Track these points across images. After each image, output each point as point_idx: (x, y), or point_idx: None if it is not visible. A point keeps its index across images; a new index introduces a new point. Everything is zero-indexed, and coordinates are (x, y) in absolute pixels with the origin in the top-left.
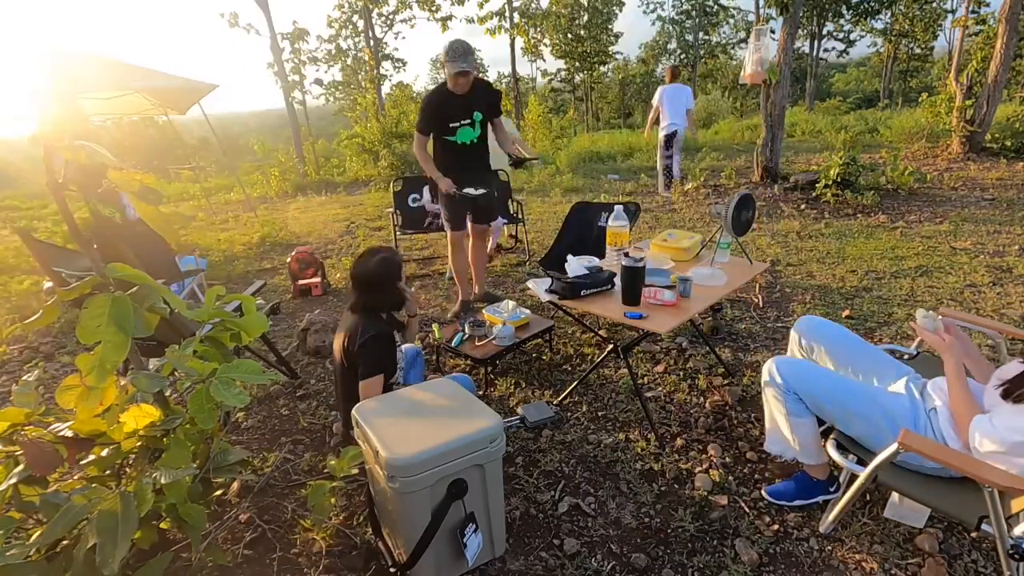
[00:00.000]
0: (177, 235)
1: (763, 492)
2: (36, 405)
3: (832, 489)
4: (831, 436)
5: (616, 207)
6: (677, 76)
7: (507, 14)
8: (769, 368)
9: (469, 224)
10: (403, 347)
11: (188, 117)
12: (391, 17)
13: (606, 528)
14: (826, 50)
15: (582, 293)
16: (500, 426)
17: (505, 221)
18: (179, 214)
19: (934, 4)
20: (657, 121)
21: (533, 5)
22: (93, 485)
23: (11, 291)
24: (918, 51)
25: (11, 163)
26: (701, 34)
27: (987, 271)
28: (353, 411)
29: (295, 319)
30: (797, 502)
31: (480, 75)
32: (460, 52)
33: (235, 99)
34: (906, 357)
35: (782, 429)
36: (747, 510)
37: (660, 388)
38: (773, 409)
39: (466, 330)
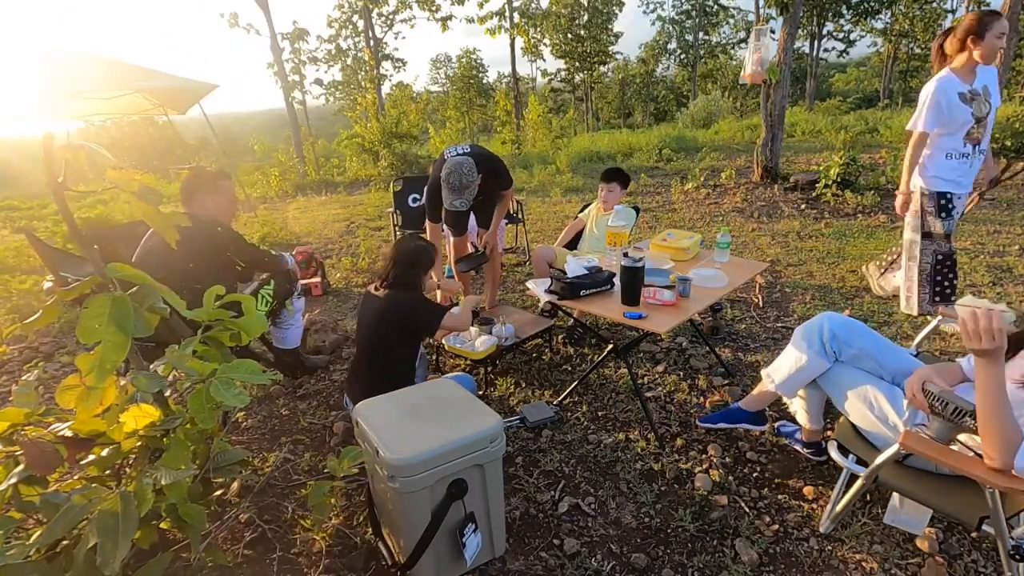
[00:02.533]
0: (176, 235)
1: (697, 422)
2: (36, 405)
3: (764, 419)
4: (831, 437)
5: (615, 207)
6: None
7: (507, 14)
8: (820, 320)
9: (476, 231)
10: None
11: (188, 117)
12: (391, 17)
13: (606, 528)
14: (826, 50)
15: (581, 293)
16: (500, 426)
17: (507, 222)
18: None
19: (934, 4)
20: None
21: (533, 5)
22: (93, 485)
23: (11, 291)
24: (918, 51)
25: (11, 163)
26: (701, 34)
27: (987, 271)
28: (354, 411)
29: None
30: (721, 423)
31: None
32: (456, 187)
33: (235, 99)
34: None
35: (792, 376)
36: (747, 510)
37: (660, 388)
38: (795, 356)
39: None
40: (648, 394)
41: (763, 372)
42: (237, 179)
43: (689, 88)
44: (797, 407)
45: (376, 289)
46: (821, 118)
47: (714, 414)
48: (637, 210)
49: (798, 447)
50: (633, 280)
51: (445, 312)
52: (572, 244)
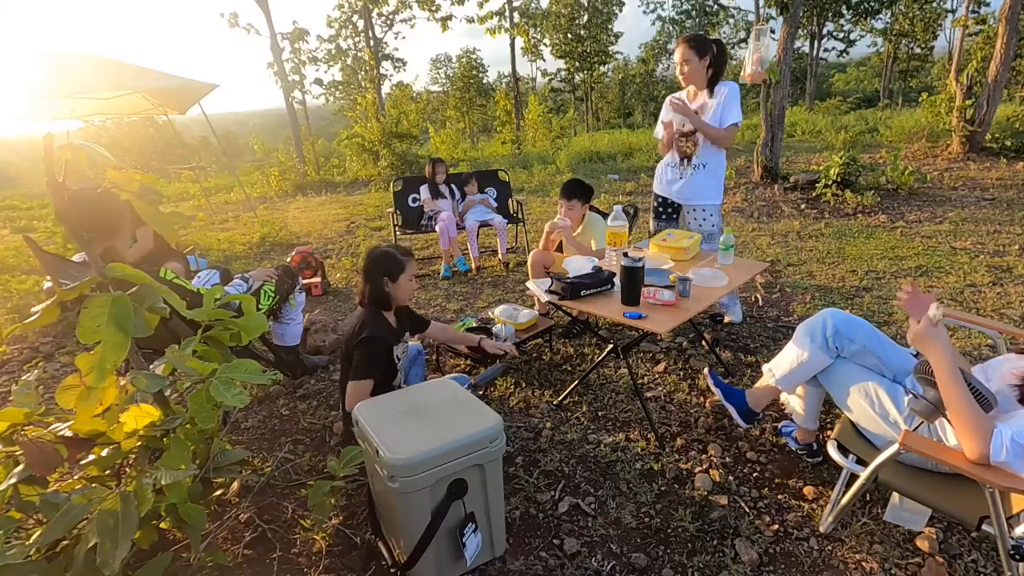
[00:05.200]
0: (177, 235)
1: (705, 371)
2: (36, 405)
3: (755, 419)
4: (831, 437)
5: (615, 207)
6: None
7: (507, 14)
8: (823, 316)
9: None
10: (408, 345)
11: (188, 117)
12: (391, 17)
13: (606, 528)
14: (826, 50)
15: (582, 293)
16: (500, 426)
17: (507, 221)
18: (179, 214)
19: (934, 4)
20: None
21: (533, 5)
22: (93, 485)
23: (11, 291)
24: (918, 51)
25: (11, 163)
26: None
27: (987, 271)
28: (354, 411)
29: None
30: (718, 390)
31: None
32: None
33: (235, 99)
34: None
35: (793, 371)
36: (747, 510)
37: (660, 388)
38: (797, 351)
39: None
40: (648, 394)
41: (764, 367)
42: (237, 179)
43: None
44: (795, 405)
45: (359, 302)
46: (821, 118)
47: (721, 381)
48: (636, 210)
49: (793, 446)
50: (633, 280)
51: (361, 379)
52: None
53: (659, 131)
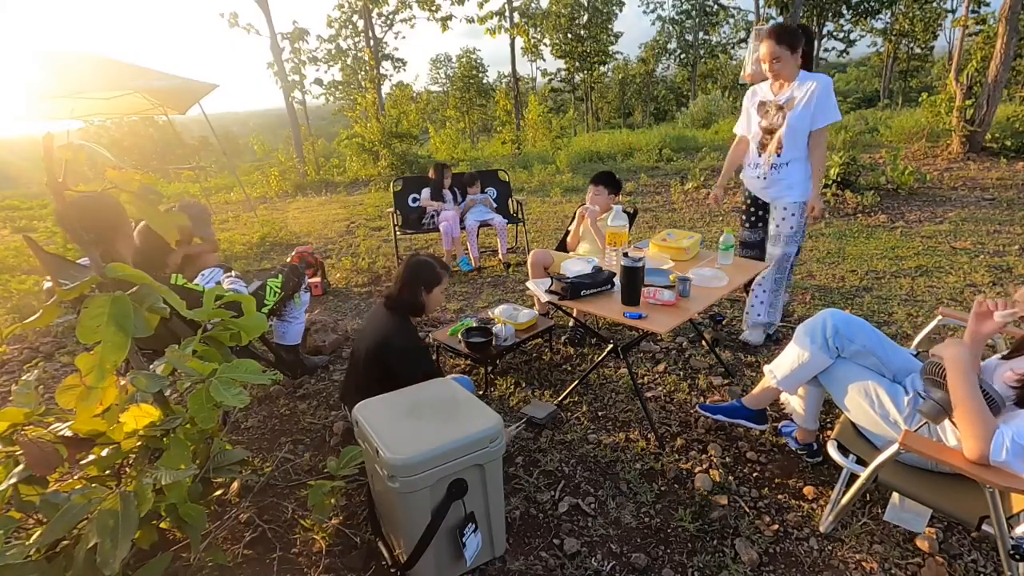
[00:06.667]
0: (176, 235)
1: (698, 407)
2: (36, 405)
3: (766, 418)
4: (831, 437)
5: (615, 207)
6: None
7: (507, 14)
8: (823, 316)
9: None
10: None
11: (188, 117)
12: (391, 17)
13: (606, 528)
14: (826, 50)
15: (582, 293)
16: (500, 426)
17: (507, 221)
18: (179, 214)
19: (934, 4)
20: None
21: (533, 5)
22: (93, 485)
23: (11, 291)
24: (918, 51)
25: (11, 163)
26: (701, 34)
27: (987, 271)
28: (354, 411)
29: None
30: (718, 416)
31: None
32: None
33: (235, 99)
34: None
35: (794, 371)
36: (747, 510)
37: (660, 388)
38: (798, 351)
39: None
40: (648, 394)
41: (765, 368)
42: (237, 179)
43: (689, 88)
44: (795, 405)
45: (386, 305)
46: None
47: (716, 405)
48: (635, 211)
49: (793, 446)
50: (633, 280)
51: (426, 372)
52: (560, 247)
53: (740, 127)
